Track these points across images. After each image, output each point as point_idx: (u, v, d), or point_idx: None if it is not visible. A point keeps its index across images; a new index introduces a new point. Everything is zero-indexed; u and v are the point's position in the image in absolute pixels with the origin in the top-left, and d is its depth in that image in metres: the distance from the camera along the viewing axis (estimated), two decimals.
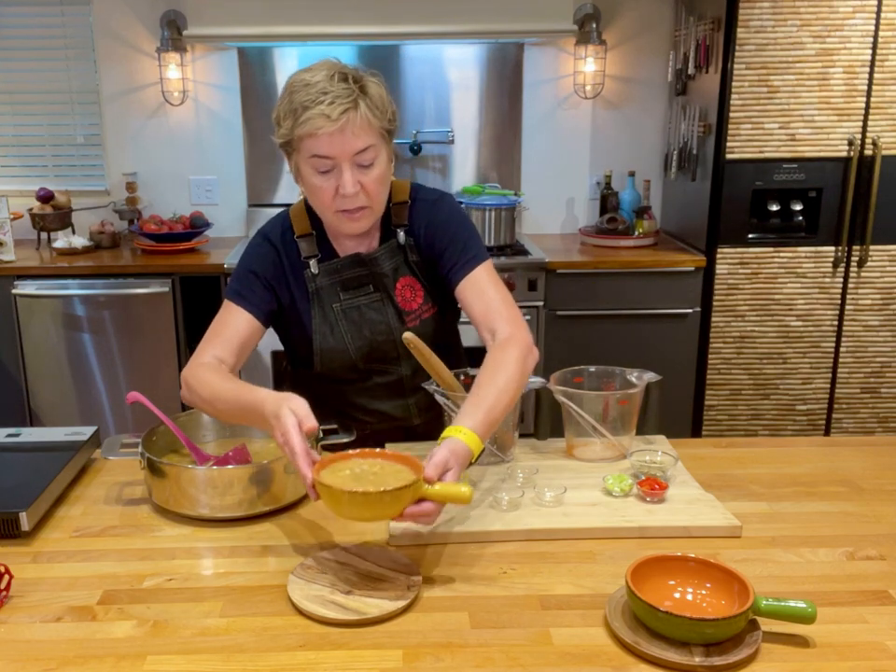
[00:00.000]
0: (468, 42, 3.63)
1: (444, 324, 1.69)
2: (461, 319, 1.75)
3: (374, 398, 1.69)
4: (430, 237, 1.60)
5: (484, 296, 1.52)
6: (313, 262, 1.60)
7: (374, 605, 1.12)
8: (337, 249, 1.63)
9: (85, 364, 3.29)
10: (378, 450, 1.26)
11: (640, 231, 3.48)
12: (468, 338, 1.80)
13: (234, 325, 1.54)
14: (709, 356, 3.29)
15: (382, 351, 1.64)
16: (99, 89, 3.67)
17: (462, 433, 1.25)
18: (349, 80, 1.42)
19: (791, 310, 3.24)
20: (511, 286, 3.19)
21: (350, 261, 1.61)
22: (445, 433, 1.27)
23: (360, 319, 1.62)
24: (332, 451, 1.56)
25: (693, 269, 3.24)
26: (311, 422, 1.22)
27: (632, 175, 3.66)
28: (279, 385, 3.19)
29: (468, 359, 1.75)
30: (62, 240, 3.42)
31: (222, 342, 1.52)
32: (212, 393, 1.42)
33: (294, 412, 1.23)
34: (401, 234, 1.61)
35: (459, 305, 1.60)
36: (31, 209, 3.52)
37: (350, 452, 1.25)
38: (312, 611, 1.11)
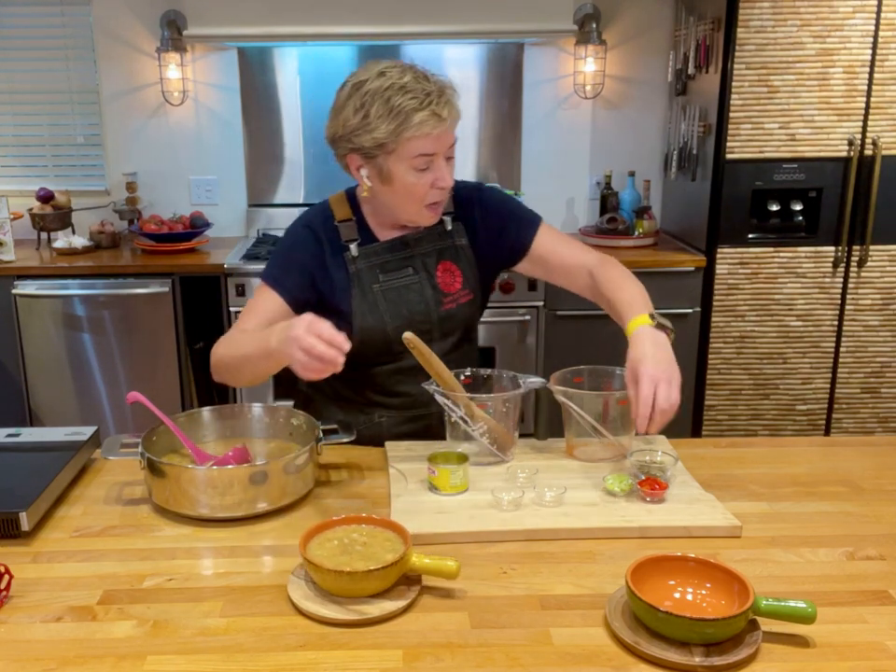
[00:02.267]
0: (468, 42, 3.63)
1: (475, 314, 1.75)
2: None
3: (402, 380, 1.70)
4: (486, 219, 1.70)
5: (562, 240, 1.71)
6: (353, 246, 1.65)
7: (374, 605, 1.12)
8: (378, 236, 1.68)
9: (85, 364, 3.29)
10: (364, 515, 1.26)
11: (640, 231, 3.47)
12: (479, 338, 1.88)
13: (266, 308, 1.59)
14: (709, 356, 3.29)
15: (418, 331, 1.63)
16: (99, 89, 3.67)
17: (643, 320, 1.45)
18: (430, 79, 1.52)
19: (791, 310, 3.24)
20: (510, 286, 3.19)
21: (391, 245, 1.66)
22: (631, 326, 1.45)
23: (399, 299, 1.66)
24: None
25: (692, 269, 3.24)
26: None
27: (632, 175, 3.66)
28: None
29: (480, 358, 1.80)
30: (62, 240, 3.42)
31: (254, 324, 1.57)
32: (233, 345, 1.53)
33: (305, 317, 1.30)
34: (448, 221, 1.68)
35: (530, 265, 1.71)
36: (31, 209, 3.52)
37: (336, 518, 1.25)
38: (312, 611, 1.11)
